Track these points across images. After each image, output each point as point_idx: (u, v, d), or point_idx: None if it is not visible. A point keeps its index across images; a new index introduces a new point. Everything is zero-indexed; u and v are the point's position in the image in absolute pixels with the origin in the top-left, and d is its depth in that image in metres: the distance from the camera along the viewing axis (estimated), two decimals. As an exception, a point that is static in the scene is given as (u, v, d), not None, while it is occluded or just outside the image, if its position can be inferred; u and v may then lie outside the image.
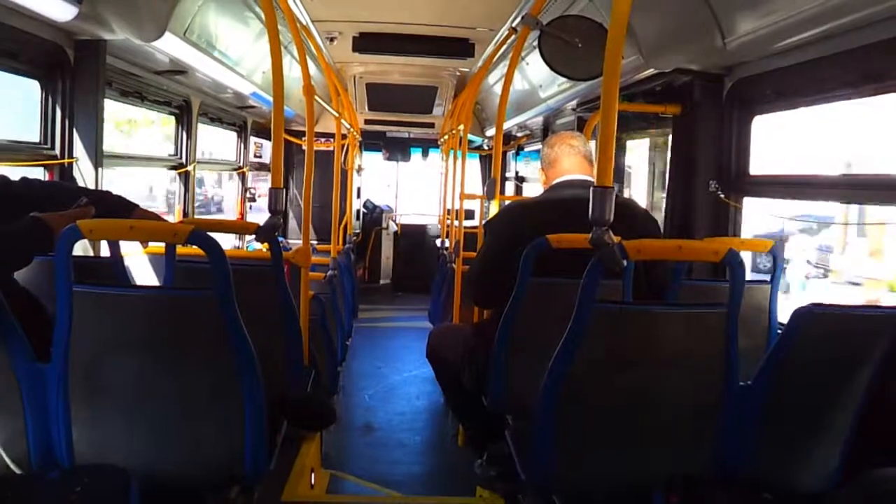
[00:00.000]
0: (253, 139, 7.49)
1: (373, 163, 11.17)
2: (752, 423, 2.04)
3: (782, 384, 2.01)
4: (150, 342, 2.01)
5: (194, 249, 2.00)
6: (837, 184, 3.05)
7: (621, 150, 5.14)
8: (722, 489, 2.06)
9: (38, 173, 3.45)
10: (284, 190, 2.79)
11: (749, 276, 2.72)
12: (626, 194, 5.16)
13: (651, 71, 3.67)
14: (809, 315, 1.94)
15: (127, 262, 3.96)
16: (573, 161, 3.03)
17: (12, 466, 2.02)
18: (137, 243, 2.83)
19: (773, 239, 2.84)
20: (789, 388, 2.01)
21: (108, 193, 2.84)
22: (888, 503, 1.88)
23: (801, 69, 2.98)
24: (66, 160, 3.51)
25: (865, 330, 1.97)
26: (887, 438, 2.18)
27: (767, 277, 2.90)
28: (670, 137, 4.06)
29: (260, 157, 7.88)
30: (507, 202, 4.00)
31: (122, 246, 2.89)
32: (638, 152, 5.02)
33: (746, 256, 2.96)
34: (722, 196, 3.62)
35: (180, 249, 2.81)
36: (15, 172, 2.82)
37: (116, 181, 5.35)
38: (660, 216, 4.09)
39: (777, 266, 2.85)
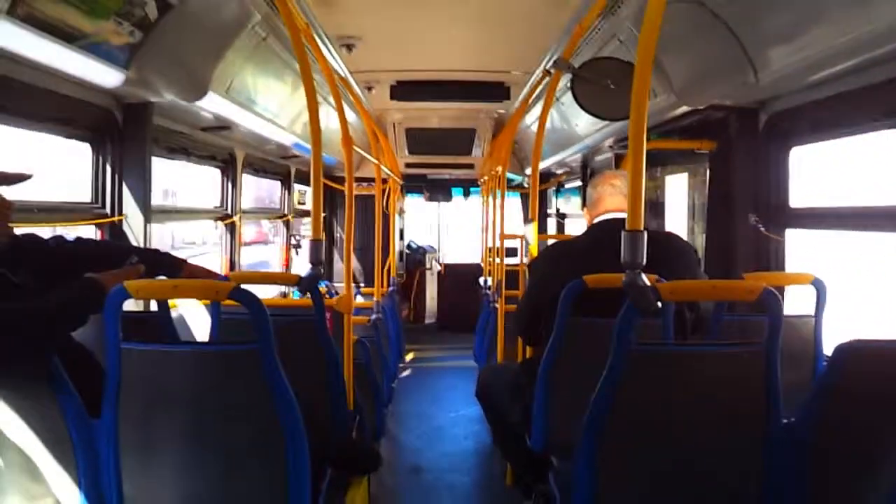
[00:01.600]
0: (297, 187, 7.64)
1: (415, 204, 11.27)
2: (796, 461, 2.01)
3: (828, 422, 1.97)
4: (194, 396, 2.05)
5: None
6: (883, 213, 3.00)
7: (659, 185, 5.13)
8: None
9: (90, 232, 3.58)
10: (325, 241, 2.85)
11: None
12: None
13: (685, 108, 3.68)
14: (851, 350, 1.91)
15: (181, 313, 4.08)
16: (615, 201, 3.03)
17: None
18: None
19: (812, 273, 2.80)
20: (835, 426, 1.97)
21: (157, 252, 2.93)
22: None
23: (837, 100, 2.97)
24: (116, 217, 3.64)
25: None
26: None
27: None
28: (708, 172, 4.05)
29: (303, 203, 8.03)
30: (548, 241, 4.03)
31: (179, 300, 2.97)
32: (676, 187, 5.00)
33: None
34: (762, 229, 3.59)
35: (228, 301, 2.88)
36: (68, 232, 2.94)
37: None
38: (699, 251, 4.06)
39: (820, 299, 2.81)
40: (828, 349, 2.85)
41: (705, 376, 2.01)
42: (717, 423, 2.03)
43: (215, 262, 5.75)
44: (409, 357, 8.84)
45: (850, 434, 1.99)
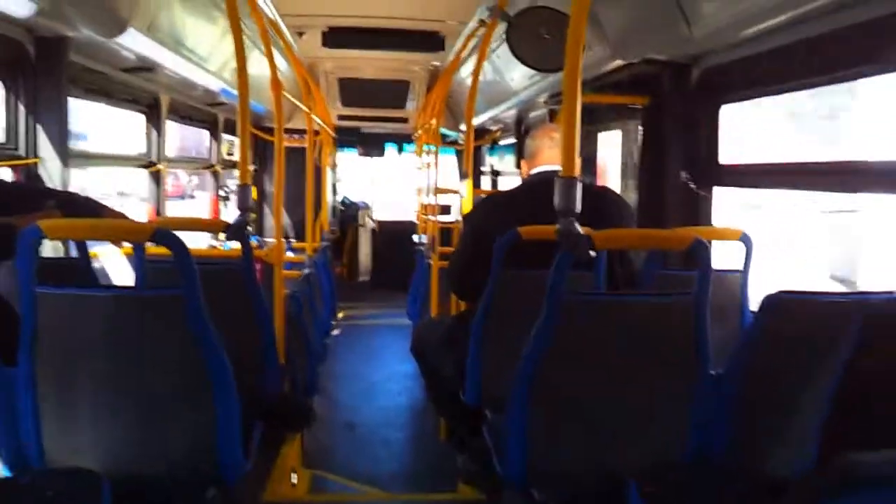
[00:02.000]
0: (226, 137, 7.43)
1: (348, 159, 11.12)
2: (724, 410, 2.05)
3: (754, 371, 2.02)
4: (117, 343, 1.98)
5: (164, 250, 1.98)
6: (807, 171, 3.07)
7: (593, 142, 5.15)
8: (696, 476, 2.08)
9: (3, 174, 3.39)
10: (253, 187, 2.77)
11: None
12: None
13: (619, 62, 3.67)
14: (779, 302, 1.95)
15: (103, 264, 3.93)
16: (553, 153, 3.02)
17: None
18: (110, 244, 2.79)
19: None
20: (761, 376, 2.03)
21: (77, 195, 2.80)
22: (861, 487, 1.89)
23: (769, 56, 2.99)
24: (30, 160, 3.45)
25: (835, 315, 1.98)
26: (859, 423, 2.20)
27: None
28: (640, 128, 4.07)
29: (232, 154, 7.82)
30: (482, 196, 4.01)
31: (101, 248, 2.86)
32: (610, 144, 5.03)
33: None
34: (693, 186, 3.63)
35: (153, 249, 2.78)
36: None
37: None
38: (632, 208, 4.10)
39: (748, 254, 2.87)
40: (753, 305, 2.92)
41: (637, 326, 2.03)
42: (647, 374, 2.06)
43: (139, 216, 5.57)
44: (342, 314, 8.79)
45: (774, 383, 2.04)
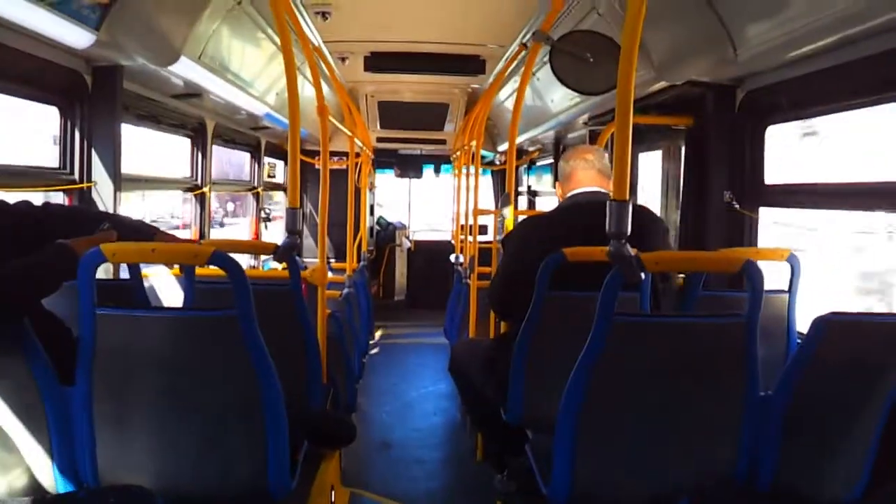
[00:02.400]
0: (267, 160, 7.55)
1: (385, 181, 11.20)
2: (773, 433, 2.04)
3: (803, 394, 2.00)
4: (172, 363, 2.02)
5: (211, 270, 2.02)
6: (857, 191, 3.03)
7: (633, 163, 5.14)
8: (744, 498, 2.05)
9: (57, 198, 3.49)
10: (301, 209, 2.82)
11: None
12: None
13: (663, 83, 3.68)
14: (828, 324, 1.93)
15: (152, 284, 4.01)
16: (588, 175, 3.04)
17: (44, 487, 2.04)
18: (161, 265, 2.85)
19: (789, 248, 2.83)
20: (811, 398, 2.01)
21: (128, 218, 2.87)
22: None
23: (814, 78, 2.98)
24: (84, 184, 3.55)
25: (886, 337, 1.96)
26: None
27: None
28: (683, 149, 4.06)
29: (273, 177, 7.93)
30: (522, 216, 4.02)
31: (146, 268, 2.91)
32: (650, 164, 5.02)
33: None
34: (737, 206, 3.61)
35: (198, 271, 2.83)
36: (35, 197, 2.86)
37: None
38: (672, 229, 4.08)
39: (794, 275, 2.84)
40: (801, 326, 2.89)
41: (687, 348, 2.02)
42: (696, 395, 2.05)
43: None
44: (378, 333, 8.83)
45: (824, 405, 2.02)
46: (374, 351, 7.92)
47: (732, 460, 2.08)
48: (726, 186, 3.66)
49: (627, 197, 1.84)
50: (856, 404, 2.01)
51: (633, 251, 1.88)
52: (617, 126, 1.86)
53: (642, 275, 1.90)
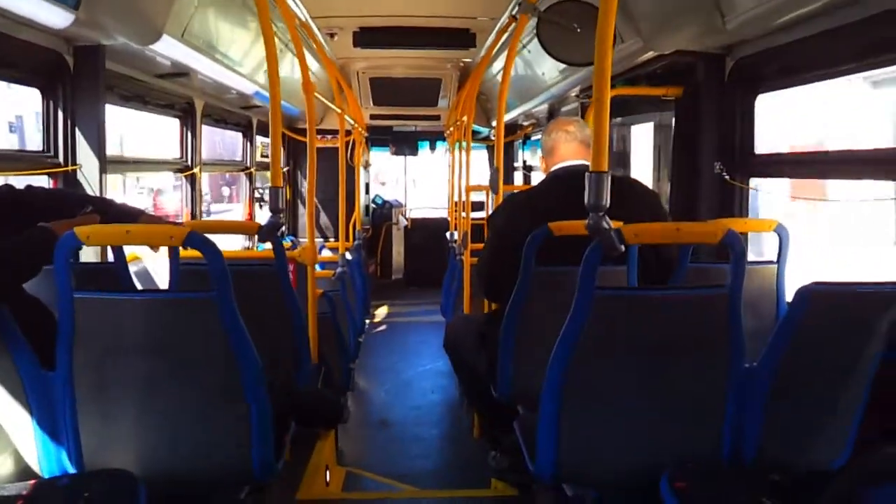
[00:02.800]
0: (259, 139, 7.50)
1: (381, 158, 11.16)
2: (758, 404, 2.02)
3: (788, 364, 1.98)
4: (152, 345, 2.01)
5: (198, 252, 2.00)
6: (848, 159, 3.00)
7: (625, 134, 5.10)
8: (728, 474, 2.05)
9: (42, 181, 3.46)
10: (287, 189, 2.79)
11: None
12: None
13: (652, 53, 3.63)
14: (812, 293, 1.91)
15: (146, 266, 3.99)
16: (570, 147, 3.01)
17: (30, 472, 2.04)
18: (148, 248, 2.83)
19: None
20: (796, 368, 1.99)
21: (113, 202, 2.84)
22: None
23: (804, 44, 2.94)
24: (69, 167, 3.52)
25: (870, 306, 1.94)
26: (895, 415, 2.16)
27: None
28: (673, 120, 4.02)
29: (267, 156, 7.89)
30: (508, 193, 3.99)
31: (142, 252, 2.89)
32: (642, 136, 4.99)
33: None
34: (727, 177, 3.58)
35: (185, 253, 2.81)
36: (19, 181, 2.84)
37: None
38: (665, 201, 4.05)
39: (783, 246, 2.82)
40: (790, 296, 2.87)
41: (669, 320, 2.01)
42: (680, 368, 2.03)
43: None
44: (376, 312, 8.83)
45: (809, 375, 2.01)
46: (373, 328, 7.93)
47: (717, 434, 2.07)
48: (717, 157, 3.63)
49: (606, 168, 1.81)
50: (840, 373, 2.00)
51: (612, 224, 1.85)
52: (595, 96, 1.83)
53: (622, 247, 1.87)
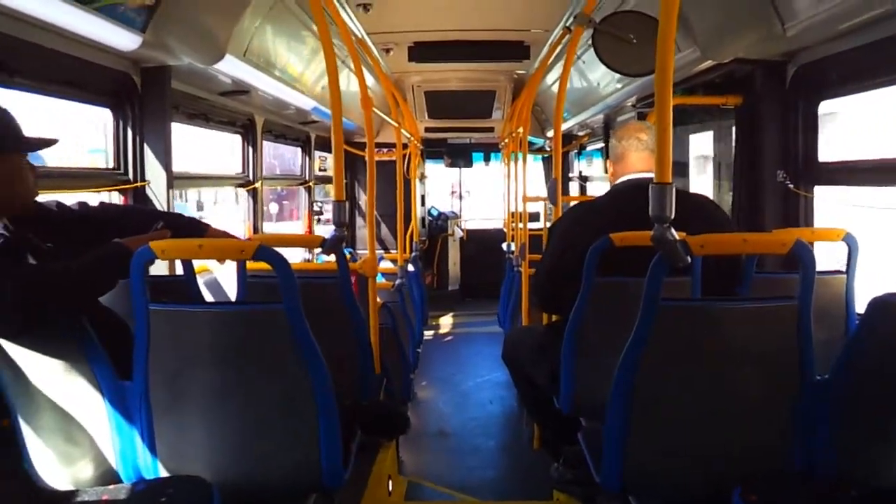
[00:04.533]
0: (318, 154, 7.63)
1: (436, 171, 11.23)
2: (830, 417, 1.98)
3: (861, 377, 1.94)
4: (224, 356, 2.06)
5: (264, 265, 2.05)
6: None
7: (684, 144, 5.05)
8: (801, 488, 2.01)
9: (113, 199, 3.59)
10: (347, 202, 2.84)
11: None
12: (691, 189, 5.06)
13: (709, 62, 3.60)
14: (886, 305, 1.87)
15: (218, 276, 4.10)
16: (641, 157, 2.95)
17: (107, 478, 2.12)
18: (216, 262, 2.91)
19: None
20: (868, 381, 1.94)
21: (181, 216, 2.94)
22: None
23: (867, 51, 2.88)
24: (138, 183, 3.65)
25: None
26: None
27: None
28: (734, 129, 3.97)
29: (325, 170, 8.02)
30: (571, 204, 3.98)
31: (212, 264, 2.96)
32: (700, 145, 4.93)
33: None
34: (791, 186, 3.52)
35: (252, 265, 2.89)
36: (91, 198, 2.95)
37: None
38: (726, 210, 3.99)
39: (852, 255, 2.76)
40: (860, 307, 2.80)
41: (737, 332, 1.98)
42: (748, 380, 2.00)
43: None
44: (433, 323, 8.87)
45: (882, 389, 1.96)
46: (431, 339, 7.97)
47: (788, 447, 2.03)
48: (780, 165, 3.57)
49: (670, 179, 1.81)
50: None
51: (678, 235, 1.84)
52: (657, 108, 1.83)
53: (689, 258, 1.86)
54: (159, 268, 3.51)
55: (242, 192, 5.58)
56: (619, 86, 5.10)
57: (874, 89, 3.10)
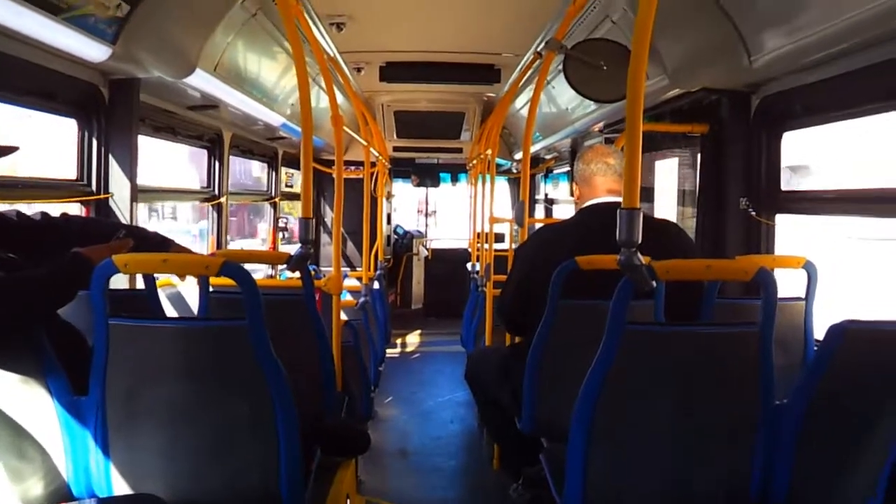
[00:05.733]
0: (284, 169, 7.59)
1: (403, 190, 11.24)
2: (787, 443, 2.01)
3: (820, 403, 1.97)
4: (183, 372, 2.02)
5: (227, 280, 2.03)
6: (877, 197, 2.99)
7: (649, 170, 5.12)
8: None
9: (75, 210, 3.53)
10: (314, 219, 2.83)
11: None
12: (654, 214, 5.13)
13: (677, 91, 3.66)
14: (844, 332, 1.90)
15: (174, 292, 4.04)
16: (607, 181, 2.98)
17: (58, 496, 2.06)
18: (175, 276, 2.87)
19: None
20: (826, 408, 1.97)
21: (144, 230, 2.89)
22: None
23: (830, 84, 2.96)
24: (101, 195, 3.59)
25: None
26: None
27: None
28: (699, 156, 4.04)
29: (291, 186, 7.97)
30: (536, 226, 4.01)
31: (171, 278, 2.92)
32: (665, 172, 4.99)
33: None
34: (753, 213, 3.59)
35: (215, 280, 2.85)
36: (53, 209, 2.89)
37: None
38: (690, 235, 4.05)
39: (811, 282, 2.81)
40: (818, 333, 2.85)
41: (699, 356, 2.00)
42: (709, 405, 2.02)
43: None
44: (396, 342, 8.84)
45: (841, 415, 1.99)
46: (393, 358, 7.93)
47: (747, 471, 2.05)
48: (743, 193, 3.64)
49: (638, 205, 1.83)
50: (872, 415, 1.97)
51: (644, 259, 1.86)
52: (627, 134, 1.85)
53: (654, 283, 1.88)
54: (120, 280, 3.45)
55: (200, 205, 5.51)
56: (587, 111, 5.16)
57: (836, 121, 3.18)
